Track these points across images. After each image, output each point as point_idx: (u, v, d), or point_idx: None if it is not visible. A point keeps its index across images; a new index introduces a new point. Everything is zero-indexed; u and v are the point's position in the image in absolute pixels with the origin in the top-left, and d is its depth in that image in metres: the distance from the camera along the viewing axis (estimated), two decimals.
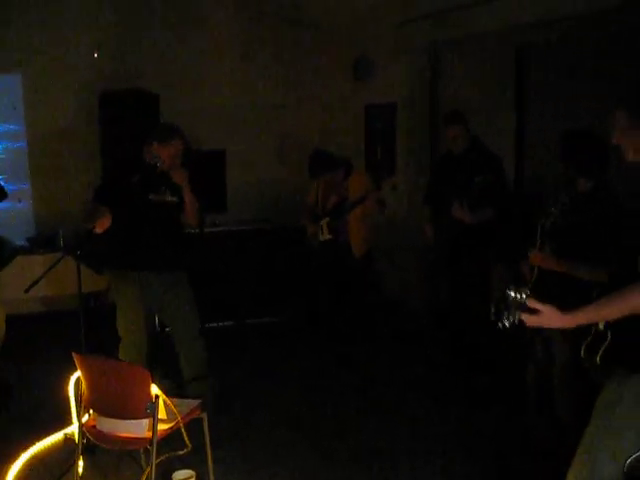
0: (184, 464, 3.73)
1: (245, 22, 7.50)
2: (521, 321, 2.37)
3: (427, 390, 5.05)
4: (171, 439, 3.34)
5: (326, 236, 6.19)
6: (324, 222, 6.19)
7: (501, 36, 6.22)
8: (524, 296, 2.34)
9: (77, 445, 3.47)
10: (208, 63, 7.41)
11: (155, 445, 3.11)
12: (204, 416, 3.47)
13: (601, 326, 2.49)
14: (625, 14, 5.14)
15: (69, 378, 3.82)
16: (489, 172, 4.96)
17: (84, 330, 4.09)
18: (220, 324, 6.50)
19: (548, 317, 2.34)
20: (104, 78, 6.88)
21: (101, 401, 3.31)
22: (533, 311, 2.35)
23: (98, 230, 4.05)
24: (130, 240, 4.42)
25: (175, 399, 3.34)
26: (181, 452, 3.41)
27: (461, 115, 5.35)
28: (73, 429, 3.84)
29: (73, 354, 3.32)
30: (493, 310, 2.43)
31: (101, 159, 6.62)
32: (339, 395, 5.02)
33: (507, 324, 2.38)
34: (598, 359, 2.48)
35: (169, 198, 4.49)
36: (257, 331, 6.51)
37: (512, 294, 2.35)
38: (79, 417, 3.47)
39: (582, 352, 2.59)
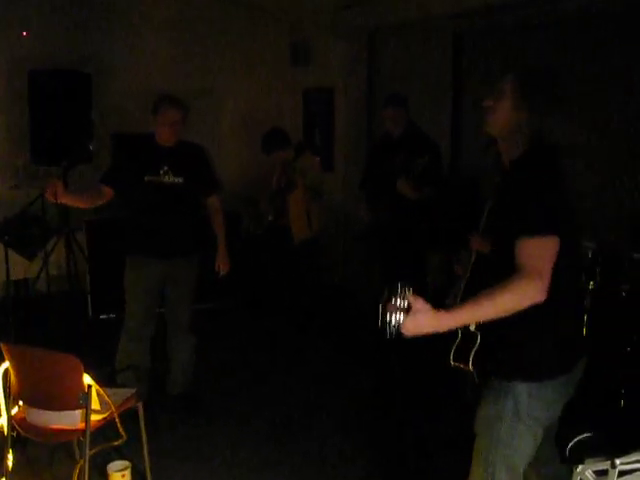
0: (121, 455, 3.65)
1: (179, 3, 7.32)
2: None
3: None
4: (108, 430, 3.26)
5: (269, 217, 6.04)
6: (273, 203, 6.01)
7: (439, 22, 6.25)
8: (409, 291, 2.03)
9: (6, 438, 3.34)
10: (139, 45, 7.20)
11: (88, 437, 3.02)
12: (139, 406, 3.39)
13: (472, 327, 2.32)
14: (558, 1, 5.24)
15: None
16: (429, 155, 4.92)
17: (12, 319, 3.95)
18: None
19: (422, 319, 2.04)
20: (34, 58, 6.61)
21: (31, 392, 3.19)
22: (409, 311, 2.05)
23: (54, 199, 3.76)
24: (138, 225, 4.19)
25: (109, 389, 3.26)
26: (115, 443, 3.33)
27: (403, 98, 5.30)
28: (1, 422, 3.70)
29: (0, 344, 3.19)
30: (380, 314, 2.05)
31: (30, 140, 6.38)
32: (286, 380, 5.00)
33: (392, 330, 2.04)
34: (470, 365, 2.36)
35: (169, 179, 4.10)
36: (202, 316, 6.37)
37: (399, 292, 2.02)
38: (8, 409, 3.34)
39: (452, 355, 2.44)
